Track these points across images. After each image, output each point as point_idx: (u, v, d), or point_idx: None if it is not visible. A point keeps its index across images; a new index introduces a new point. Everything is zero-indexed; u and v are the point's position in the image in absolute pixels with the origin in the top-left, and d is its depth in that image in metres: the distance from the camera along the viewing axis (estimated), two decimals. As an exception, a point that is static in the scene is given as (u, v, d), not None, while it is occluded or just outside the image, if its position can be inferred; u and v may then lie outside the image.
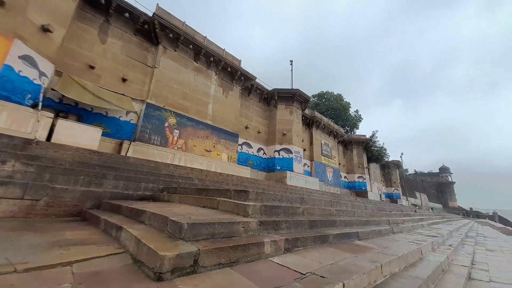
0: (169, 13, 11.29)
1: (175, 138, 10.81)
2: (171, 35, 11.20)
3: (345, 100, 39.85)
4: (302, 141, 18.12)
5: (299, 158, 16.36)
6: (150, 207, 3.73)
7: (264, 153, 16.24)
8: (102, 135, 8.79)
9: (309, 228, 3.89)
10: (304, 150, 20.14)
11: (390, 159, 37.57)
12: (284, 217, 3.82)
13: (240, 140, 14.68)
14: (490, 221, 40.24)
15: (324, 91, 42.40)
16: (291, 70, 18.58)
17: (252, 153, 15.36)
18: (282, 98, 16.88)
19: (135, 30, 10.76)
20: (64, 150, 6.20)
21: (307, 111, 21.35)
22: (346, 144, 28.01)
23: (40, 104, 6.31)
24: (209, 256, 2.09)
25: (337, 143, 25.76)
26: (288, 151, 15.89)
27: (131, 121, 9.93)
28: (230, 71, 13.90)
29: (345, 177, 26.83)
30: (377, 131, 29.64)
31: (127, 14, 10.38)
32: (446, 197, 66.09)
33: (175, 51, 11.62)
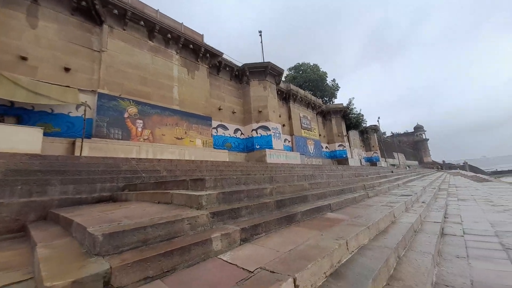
0: (109, -15, 9.71)
1: (139, 129, 9.91)
2: (115, 11, 9.73)
3: (321, 70, 39.42)
4: (280, 117, 17.73)
5: (277, 134, 16.06)
6: (88, 212, 3.18)
7: (242, 133, 15.72)
8: (51, 135, 7.78)
9: (276, 209, 3.56)
10: (283, 125, 19.86)
11: (369, 124, 38.75)
12: (247, 202, 3.44)
13: (214, 123, 13.96)
14: (461, 171, 43.91)
15: (300, 63, 41.56)
16: (261, 42, 17.52)
17: (229, 135, 14.78)
18: (254, 73, 16.03)
19: (71, 8, 9.19)
20: (-5, 158, 5.28)
21: (282, 85, 20.72)
22: (325, 114, 28.11)
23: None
24: (129, 272, 1.61)
25: (316, 115, 25.73)
26: (266, 128, 15.48)
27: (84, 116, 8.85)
28: (192, 49, 12.70)
29: (326, 147, 27.29)
30: (353, 98, 29.94)
31: None
32: (421, 154, 70.75)
33: (124, 30, 10.22)
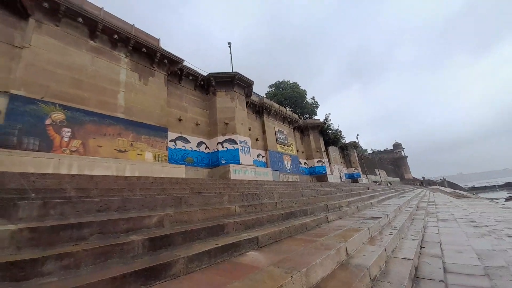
0: (38, -25, 8.53)
1: (66, 139, 8.23)
2: (45, 4, 8.46)
3: (301, 88, 39.82)
4: (250, 130, 16.58)
5: (246, 148, 14.77)
6: None
7: (207, 147, 14.28)
8: None
9: (144, 254, 2.14)
10: (257, 139, 18.73)
11: (349, 140, 38.73)
12: (91, 244, 2.01)
13: (173, 135, 12.48)
14: (440, 187, 44.33)
15: (281, 81, 41.92)
16: (230, 53, 16.80)
17: (190, 149, 13.27)
18: (220, 83, 15.02)
19: (-13, -1, 7.84)
20: None
21: (255, 98, 19.90)
22: (303, 130, 27.48)
23: None
24: None
25: (293, 130, 24.96)
26: (233, 141, 14.17)
27: (-12, 121, 7.14)
28: (146, 53, 11.53)
29: (305, 163, 26.30)
30: (330, 114, 29.80)
31: None
32: (402, 170, 71.95)
33: (57, 26, 8.89)
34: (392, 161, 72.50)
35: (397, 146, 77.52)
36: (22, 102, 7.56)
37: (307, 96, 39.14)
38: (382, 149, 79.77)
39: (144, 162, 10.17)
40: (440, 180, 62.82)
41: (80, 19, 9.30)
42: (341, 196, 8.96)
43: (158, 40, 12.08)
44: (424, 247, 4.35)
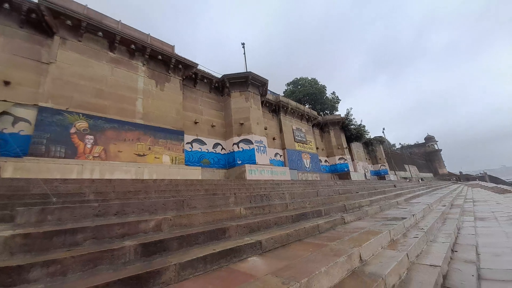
0: (61, -5, 9.21)
1: (88, 146, 8.79)
2: (69, 22, 9.11)
3: (320, 83, 38.63)
4: (266, 129, 16.38)
5: (262, 148, 14.62)
6: None
7: (223, 148, 14.40)
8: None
9: (136, 260, 2.12)
10: (274, 139, 18.49)
11: (374, 136, 36.67)
12: (87, 249, 2.04)
13: (189, 138, 12.77)
14: (481, 182, 40.13)
15: (298, 77, 41.07)
16: (244, 53, 16.77)
17: (206, 150, 13.48)
18: (234, 84, 15.04)
19: (20, 22, 8.64)
20: None
21: (271, 97, 19.65)
22: (322, 126, 26.57)
23: None
24: None
25: (312, 127, 24.24)
26: (248, 141, 14.11)
27: (21, 133, 7.87)
28: (162, 60, 11.92)
29: (325, 161, 25.41)
30: (351, 108, 28.38)
31: (7, 5, 8.30)
32: (435, 165, 66.48)
33: (80, 41, 9.53)
34: (424, 155, 67.30)
35: (429, 139, 71.78)
36: (49, 114, 8.23)
37: (326, 92, 37.85)
38: (412, 143, 74.47)
39: (162, 165, 10.52)
40: (480, 174, 56.85)
41: (100, 33, 9.88)
42: (362, 195, 8.42)
43: (172, 47, 12.43)
44: (456, 251, 3.88)
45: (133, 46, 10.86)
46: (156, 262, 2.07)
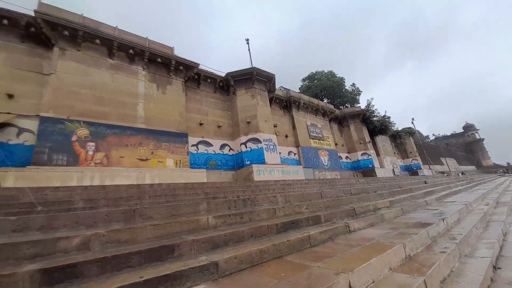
0: (59, 8, 9.39)
1: (90, 153, 8.78)
2: (66, 32, 9.27)
3: (337, 76, 36.55)
4: (275, 126, 15.51)
5: (272, 146, 13.79)
6: None
7: (231, 149, 13.86)
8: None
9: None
10: (286, 136, 17.56)
11: (403, 128, 33.62)
12: None
13: (194, 140, 12.43)
14: (535, 173, 34.65)
15: (314, 72, 39.36)
16: (248, 49, 16.14)
17: (213, 152, 13.04)
18: (239, 82, 14.46)
19: (21, 36, 8.97)
20: None
21: (281, 93, 18.75)
22: (341, 120, 24.87)
23: None
24: None
25: (329, 122, 22.75)
26: (256, 140, 13.39)
27: (26, 143, 8.06)
28: (162, 62, 11.76)
29: (346, 157, 23.69)
30: (372, 98, 26.17)
31: (5, 21, 8.65)
32: (478, 156, 59.44)
33: (79, 50, 9.67)
34: (464, 146, 60.56)
35: (468, 128, 64.54)
36: (51, 123, 8.35)
37: (345, 84, 35.67)
38: (449, 134, 67.57)
39: (164, 169, 10.26)
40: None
41: (97, 41, 9.95)
42: (381, 194, 7.23)
43: (172, 48, 12.24)
44: (499, 268, 2.83)
45: (131, 51, 10.81)
46: None
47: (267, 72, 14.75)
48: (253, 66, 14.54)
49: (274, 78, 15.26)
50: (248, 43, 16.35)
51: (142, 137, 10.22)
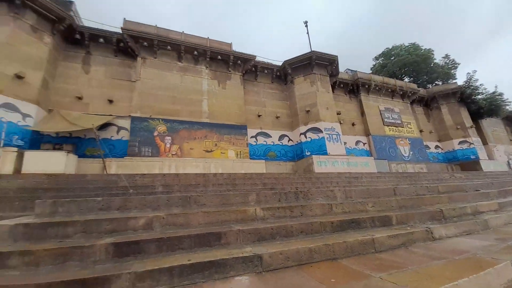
0: (138, 23, 11.18)
1: (168, 146, 10.26)
2: (145, 43, 10.98)
3: (423, 48, 29.94)
4: (339, 114, 14.04)
5: (335, 136, 12.59)
6: None
7: (290, 139, 13.49)
8: (96, 157, 9.19)
9: (109, 261, 2.19)
10: (353, 124, 15.76)
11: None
12: (76, 241, 2.30)
13: (253, 131, 12.71)
14: None
15: (390, 47, 33.49)
16: (307, 32, 15.03)
17: (272, 143, 13.01)
18: (297, 69, 13.73)
19: (114, 51, 11.18)
20: (21, 179, 6.53)
21: (346, 76, 16.79)
22: (428, 102, 20.32)
23: (1, 141, 6.96)
24: None
25: (410, 104, 18.97)
26: (317, 130, 12.51)
27: (123, 138, 10.12)
28: (221, 59, 12.42)
29: (436, 146, 19.33)
30: (475, 71, 19.99)
31: (101, 40, 10.89)
32: None
33: (155, 58, 11.32)
34: None
35: None
36: (138, 121, 10.18)
37: (434, 57, 28.84)
38: None
39: (226, 160, 10.95)
40: None
41: (168, 47, 11.39)
42: (486, 194, 5.48)
43: (230, 44, 12.74)
44: None
45: (196, 52, 11.86)
46: (123, 266, 1.83)
47: (328, 54, 13.42)
48: (312, 50, 13.49)
49: (337, 60, 13.74)
50: (306, 25, 15.27)
51: (206, 131, 11.20)
